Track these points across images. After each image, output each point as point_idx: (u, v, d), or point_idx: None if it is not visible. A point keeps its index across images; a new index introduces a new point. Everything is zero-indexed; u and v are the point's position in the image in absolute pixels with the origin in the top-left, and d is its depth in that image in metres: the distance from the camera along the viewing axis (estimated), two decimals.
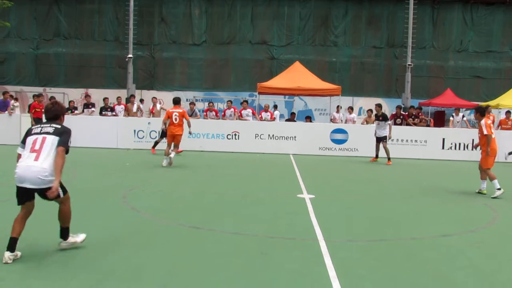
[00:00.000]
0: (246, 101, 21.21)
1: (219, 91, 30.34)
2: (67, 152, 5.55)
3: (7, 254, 5.33)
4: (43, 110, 17.12)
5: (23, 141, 5.61)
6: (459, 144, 18.93)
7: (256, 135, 19.14)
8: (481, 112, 11.10)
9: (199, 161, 15.81)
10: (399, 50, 30.13)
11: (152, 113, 20.47)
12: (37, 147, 5.43)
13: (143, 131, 19.09)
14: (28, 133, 5.66)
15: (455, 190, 11.64)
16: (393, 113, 20.51)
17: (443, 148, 18.97)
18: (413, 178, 13.64)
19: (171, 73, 30.74)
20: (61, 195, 5.62)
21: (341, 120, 22.68)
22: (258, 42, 30.74)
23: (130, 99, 21.76)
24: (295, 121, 22.85)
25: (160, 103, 21.87)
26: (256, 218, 7.98)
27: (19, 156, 5.56)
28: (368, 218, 8.25)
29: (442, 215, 8.82)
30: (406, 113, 20.44)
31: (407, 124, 19.51)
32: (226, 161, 15.95)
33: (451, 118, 22.48)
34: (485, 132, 10.93)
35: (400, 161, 17.38)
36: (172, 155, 14.27)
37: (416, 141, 18.80)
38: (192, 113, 19.57)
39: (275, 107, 24.27)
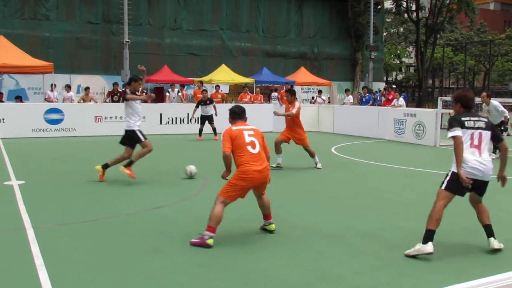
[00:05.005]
0: None
1: None
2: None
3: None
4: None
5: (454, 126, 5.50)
6: (176, 118, 19.76)
7: None
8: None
9: None
10: (115, 27, 29.83)
11: None
12: (475, 142, 5.50)
13: None
14: (462, 124, 5.51)
15: (167, 162, 12.03)
16: (110, 90, 20.26)
17: (160, 123, 19.61)
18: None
19: None
20: None
21: (57, 99, 21.49)
22: None
23: None
24: (3, 101, 20.82)
25: None
26: None
27: (459, 139, 5.40)
28: (83, 199, 8.01)
29: (156, 188, 9.07)
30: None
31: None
32: None
33: (167, 94, 23.31)
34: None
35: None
36: None
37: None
38: None
39: None
